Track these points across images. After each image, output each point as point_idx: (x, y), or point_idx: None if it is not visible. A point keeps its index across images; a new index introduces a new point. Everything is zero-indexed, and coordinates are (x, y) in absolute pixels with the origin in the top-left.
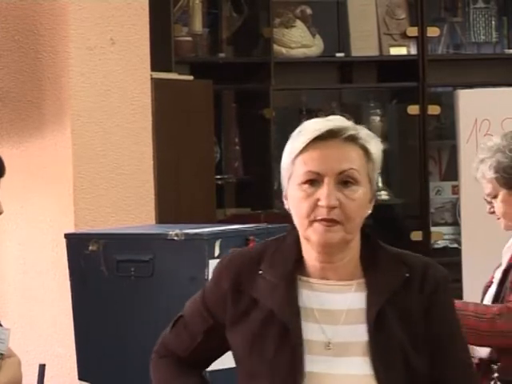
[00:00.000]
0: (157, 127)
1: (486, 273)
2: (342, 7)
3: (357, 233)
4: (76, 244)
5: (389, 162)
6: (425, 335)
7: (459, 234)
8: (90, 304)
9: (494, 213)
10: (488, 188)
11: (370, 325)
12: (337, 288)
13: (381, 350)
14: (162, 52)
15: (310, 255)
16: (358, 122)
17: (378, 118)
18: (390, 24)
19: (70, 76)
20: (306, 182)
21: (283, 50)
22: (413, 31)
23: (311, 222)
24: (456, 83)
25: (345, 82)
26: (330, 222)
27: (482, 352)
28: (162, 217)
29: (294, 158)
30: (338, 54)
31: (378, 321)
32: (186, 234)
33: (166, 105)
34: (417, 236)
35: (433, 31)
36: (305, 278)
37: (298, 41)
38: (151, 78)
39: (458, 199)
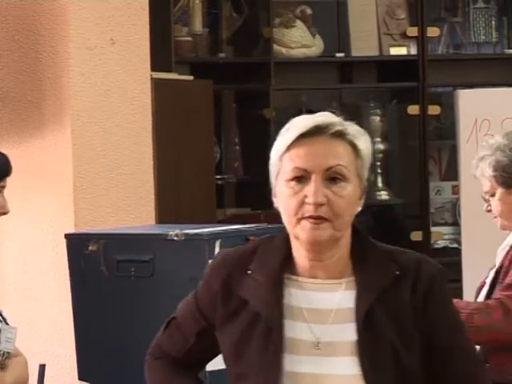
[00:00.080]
0: (157, 127)
1: (486, 273)
2: (342, 7)
3: (346, 230)
4: (76, 244)
5: (389, 161)
6: (424, 332)
7: (459, 233)
8: (90, 304)
9: (490, 211)
10: (486, 186)
11: (358, 324)
12: (326, 287)
13: (370, 349)
14: (161, 52)
15: (300, 253)
16: (358, 122)
17: (378, 118)
18: (390, 24)
19: (70, 76)
20: (293, 179)
21: (283, 50)
22: (413, 31)
23: (299, 220)
24: (456, 83)
25: (345, 82)
26: (318, 219)
27: None
28: (162, 217)
29: (282, 155)
30: (338, 54)
31: (367, 320)
32: (186, 234)
33: (166, 105)
34: (417, 236)
35: (433, 31)
36: (294, 277)
37: (298, 41)
38: (151, 78)
39: (457, 199)
